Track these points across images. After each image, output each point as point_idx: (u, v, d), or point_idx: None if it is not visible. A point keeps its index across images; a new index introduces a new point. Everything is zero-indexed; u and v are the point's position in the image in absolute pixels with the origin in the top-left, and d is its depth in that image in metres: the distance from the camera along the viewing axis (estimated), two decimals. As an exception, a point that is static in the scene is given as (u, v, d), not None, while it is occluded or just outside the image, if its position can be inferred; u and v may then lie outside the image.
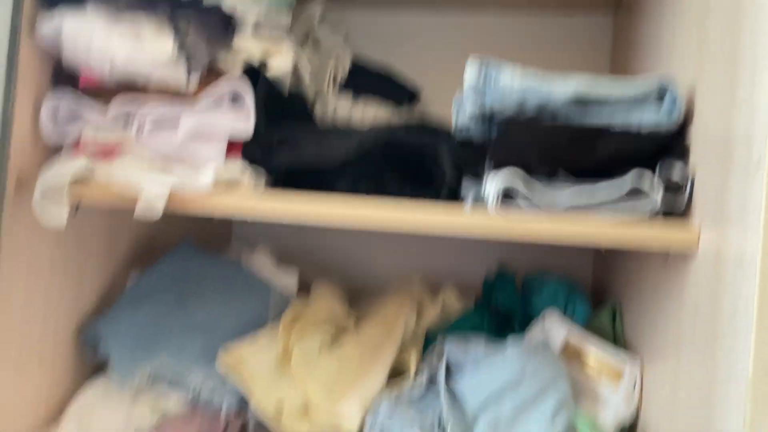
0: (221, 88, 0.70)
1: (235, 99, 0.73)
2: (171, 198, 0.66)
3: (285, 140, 0.71)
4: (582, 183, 0.63)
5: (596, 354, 0.77)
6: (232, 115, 0.71)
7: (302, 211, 0.64)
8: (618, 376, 0.74)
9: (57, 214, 0.67)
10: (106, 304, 0.89)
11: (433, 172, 0.72)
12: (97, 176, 0.69)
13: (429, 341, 0.90)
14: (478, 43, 1.20)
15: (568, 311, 0.93)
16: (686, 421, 0.56)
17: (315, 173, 0.72)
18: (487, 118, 0.70)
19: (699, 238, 0.57)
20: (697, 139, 0.61)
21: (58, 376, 0.81)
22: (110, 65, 0.68)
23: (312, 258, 1.22)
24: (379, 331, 0.87)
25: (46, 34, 0.69)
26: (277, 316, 0.85)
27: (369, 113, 1.06)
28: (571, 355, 0.79)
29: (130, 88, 0.72)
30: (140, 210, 0.65)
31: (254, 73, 0.74)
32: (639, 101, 0.64)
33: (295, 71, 0.86)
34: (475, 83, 0.68)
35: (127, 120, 0.71)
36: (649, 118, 0.63)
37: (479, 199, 0.68)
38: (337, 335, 0.84)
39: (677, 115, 0.62)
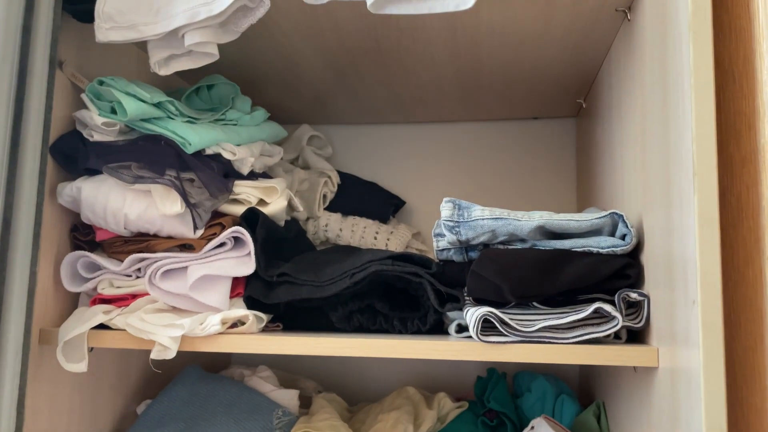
0: (224, 234, 0.78)
1: (237, 240, 0.81)
2: (182, 340, 0.73)
3: (283, 276, 0.79)
4: (552, 309, 0.71)
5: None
6: (235, 257, 0.79)
7: (300, 347, 0.71)
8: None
9: (78, 362, 0.73)
10: (119, 434, 0.93)
11: (419, 298, 0.79)
12: (113, 324, 0.75)
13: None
14: (453, 148, 1.31)
15: (557, 409, 0.99)
16: None
17: (311, 306, 0.79)
18: (464, 246, 0.79)
19: (658, 355, 0.64)
20: (648, 264, 0.69)
21: None
22: (124, 222, 0.76)
23: (308, 373, 1.27)
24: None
25: (66, 198, 0.77)
26: (282, 435, 0.89)
27: (358, 228, 1.15)
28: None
29: (141, 235, 0.81)
30: (155, 354, 0.72)
31: (253, 215, 0.83)
32: (595, 231, 0.73)
33: (289, 203, 0.94)
34: (450, 218, 0.76)
35: (139, 270, 0.78)
36: (606, 242, 0.71)
37: (462, 325, 0.75)
38: (339, 451, 0.89)
39: (630, 239, 0.70)
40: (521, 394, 1.05)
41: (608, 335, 0.67)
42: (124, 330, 0.74)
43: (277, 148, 1.03)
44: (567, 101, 1.17)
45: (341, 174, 1.23)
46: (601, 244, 0.72)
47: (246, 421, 0.92)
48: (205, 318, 0.74)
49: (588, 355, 0.65)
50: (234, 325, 0.76)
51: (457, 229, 0.76)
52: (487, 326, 0.69)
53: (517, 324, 0.68)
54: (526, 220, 0.73)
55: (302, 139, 1.26)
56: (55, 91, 0.76)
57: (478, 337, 0.67)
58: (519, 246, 0.75)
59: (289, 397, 0.97)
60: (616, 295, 0.68)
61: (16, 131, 0.67)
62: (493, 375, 1.06)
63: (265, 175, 0.97)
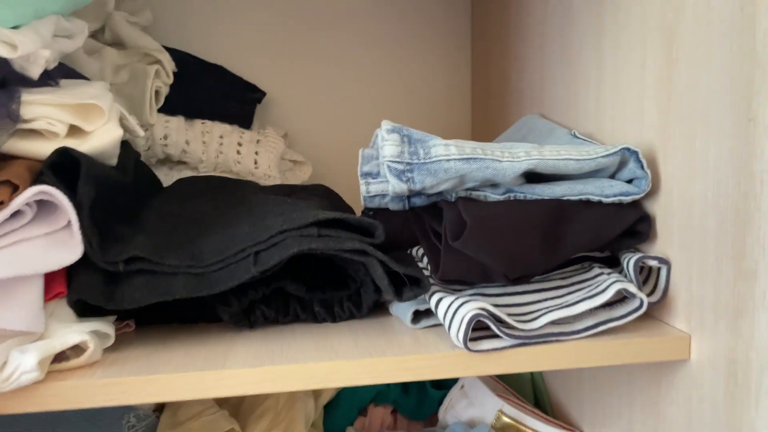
0: (19, 200, 0.44)
1: (43, 204, 0.47)
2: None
3: (136, 262, 0.48)
4: (546, 283, 0.51)
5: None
6: (43, 234, 0.46)
7: (189, 389, 0.44)
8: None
9: None
10: None
11: (346, 270, 0.54)
12: None
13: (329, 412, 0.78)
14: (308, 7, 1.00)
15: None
16: None
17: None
18: (413, 194, 0.55)
19: (690, 346, 0.49)
20: (662, 215, 0.51)
21: None
22: None
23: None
24: (279, 429, 0.71)
25: None
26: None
27: (212, 139, 0.83)
28: None
29: None
30: None
31: (67, 160, 0.49)
32: (600, 171, 0.53)
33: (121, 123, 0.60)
34: (398, 158, 0.51)
35: None
36: (612, 189, 0.53)
37: (420, 311, 0.53)
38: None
39: (646, 185, 0.52)
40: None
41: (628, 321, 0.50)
42: None
43: (79, 22, 0.64)
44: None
45: (173, 53, 0.86)
46: (606, 191, 0.52)
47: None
48: (6, 360, 0.42)
49: (611, 354, 0.48)
50: (61, 354, 0.45)
51: (409, 174, 0.51)
52: (475, 326, 0.48)
53: (515, 320, 0.48)
54: (510, 161, 0.51)
55: (106, 2, 0.85)
56: None
57: (467, 347, 0.46)
58: (490, 194, 0.53)
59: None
60: (630, 262, 0.51)
61: None
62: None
63: (76, 74, 0.60)
